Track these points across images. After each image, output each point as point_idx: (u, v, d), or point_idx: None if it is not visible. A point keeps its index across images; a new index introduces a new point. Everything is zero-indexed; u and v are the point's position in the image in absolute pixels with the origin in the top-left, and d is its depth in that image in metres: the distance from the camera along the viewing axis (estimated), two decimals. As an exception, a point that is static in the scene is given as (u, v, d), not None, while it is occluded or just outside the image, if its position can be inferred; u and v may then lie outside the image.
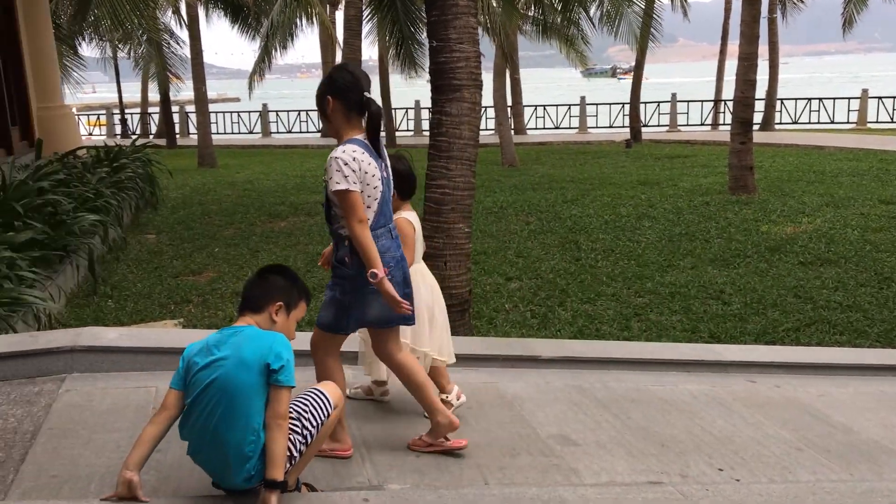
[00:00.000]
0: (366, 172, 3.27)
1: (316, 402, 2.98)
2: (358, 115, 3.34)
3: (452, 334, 5.60)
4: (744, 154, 13.11)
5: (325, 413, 2.98)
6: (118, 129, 29.00)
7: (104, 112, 31.48)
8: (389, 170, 3.50)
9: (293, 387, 2.81)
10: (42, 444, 3.38)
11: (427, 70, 17.14)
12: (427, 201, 5.74)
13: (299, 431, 2.89)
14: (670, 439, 3.92)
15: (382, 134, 3.45)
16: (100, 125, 31.00)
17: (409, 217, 3.88)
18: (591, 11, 18.53)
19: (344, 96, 3.33)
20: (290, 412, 2.85)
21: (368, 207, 3.32)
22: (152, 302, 7.60)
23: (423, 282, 3.92)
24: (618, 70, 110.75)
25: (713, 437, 3.99)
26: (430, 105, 5.82)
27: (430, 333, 3.88)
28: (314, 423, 2.93)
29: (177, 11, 24.64)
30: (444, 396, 3.84)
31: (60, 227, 7.75)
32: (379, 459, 3.45)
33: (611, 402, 4.36)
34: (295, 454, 2.87)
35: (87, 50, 24.77)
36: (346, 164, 3.22)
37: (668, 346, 5.61)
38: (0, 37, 11.83)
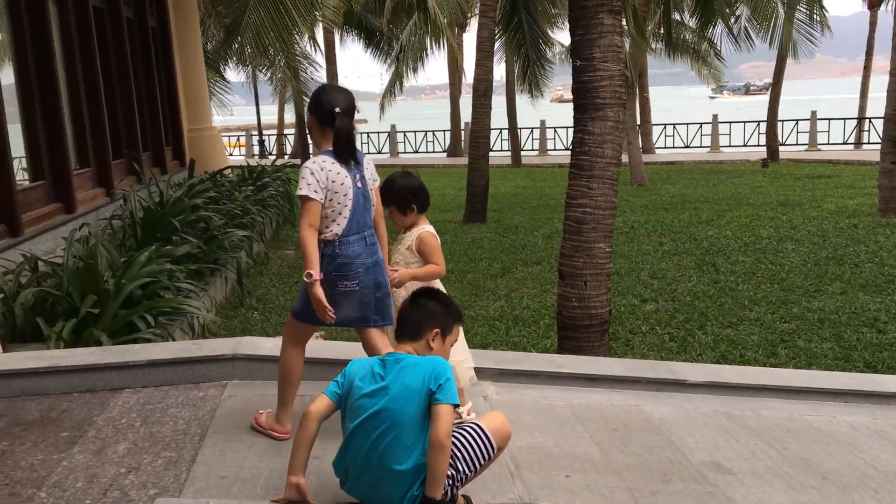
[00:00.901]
0: (333, 181, 3.46)
1: (476, 444, 2.94)
2: (331, 129, 3.51)
3: (591, 354, 5.59)
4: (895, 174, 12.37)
5: (486, 457, 2.96)
6: (256, 150, 30.45)
7: (243, 133, 33.16)
8: (367, 181, 3.62)
9: (456, 405, 2.84)
10: (209, 446, 3.58)
11: (550, 88, 17.00)
12: (567, 220, 5.72)
13: (451, 475, 2.84)
14: (831, 472, 3.73)
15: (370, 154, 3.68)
16: (239, 146, 32.66)
17: (431, 230, 4.02)
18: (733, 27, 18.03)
19: (317, 112, 3.56)
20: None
21: (339, 214, 3.50)
22: (294, 315, 7.90)
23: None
24: (751, 88, 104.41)
25: (878, 472, 3.76)
26: (567, 125, 5.83)
27: (462, 344, 3.90)
28: (470, 468, 2.92)
29: (313, 37, 25.67)
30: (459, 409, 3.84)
31: (212, 241, 8.20)
32: (529, 478, 3.45)
33: (764, 431, 4.19)
34: (447, 493, 2.85)
35: (230, 75, 26.33)
36: (312, 172, 3.45)
37: (824, 374, 5.33)
38: (158, 64, 12.69)
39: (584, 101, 5.52)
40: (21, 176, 7.69)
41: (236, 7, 13.53)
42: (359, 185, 3.56)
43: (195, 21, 14.19)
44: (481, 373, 4.58)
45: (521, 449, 3.73)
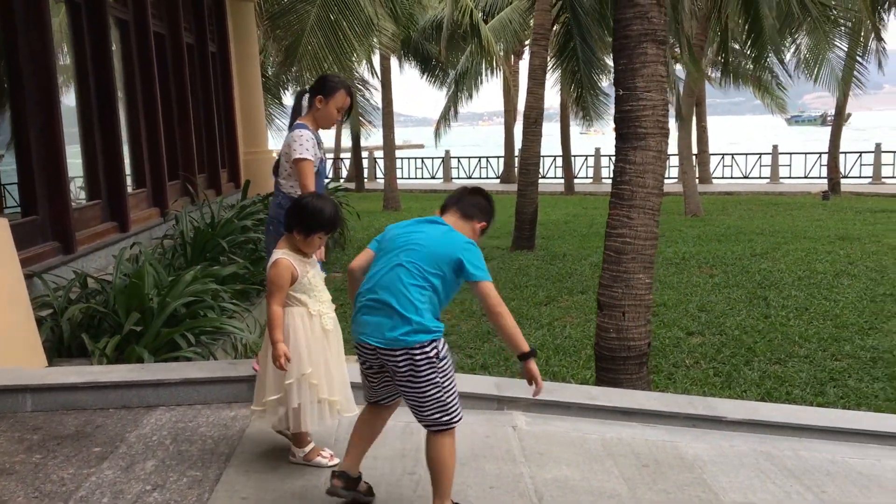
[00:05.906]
0: None
1: None
2: None
3: (629, 387, 5.49)
4: (961, 209, 11.94)
5: None
6: (312, 173, 30.93)
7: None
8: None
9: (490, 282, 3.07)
10: (235, 466, 3.61)
11: (602, 118, 16.90)
12: (607, 250, 5.66)
13: None
14: (871, 519, 3.58)
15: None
16: (296, 169, 33.19)
17: None
18: (787, 57, 17.69)
19: None
20: None
21: None
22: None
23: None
24: (828, 118, 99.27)
25: (923, 522, 3.60)
26: (611, 153, 5.79)
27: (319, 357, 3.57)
28: None
29: (371, 63, 26.08)
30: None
31: (260, 262, 8.31)
32: (551, 511, 3.39)
33: (802, 473, 4.05)
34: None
35: (288, 100, 26.90)
36: None
37: (869, 415, 5.14)
38: (216, 88, 13.02)
39: (626, 130, 5.48)
40: (77, 195, 7.95)
41: (294, 30, 13.80)
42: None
43: (254, 46, 14.53)
44: (514, 403, 4.54)
45: (547, 482, 3.68)
